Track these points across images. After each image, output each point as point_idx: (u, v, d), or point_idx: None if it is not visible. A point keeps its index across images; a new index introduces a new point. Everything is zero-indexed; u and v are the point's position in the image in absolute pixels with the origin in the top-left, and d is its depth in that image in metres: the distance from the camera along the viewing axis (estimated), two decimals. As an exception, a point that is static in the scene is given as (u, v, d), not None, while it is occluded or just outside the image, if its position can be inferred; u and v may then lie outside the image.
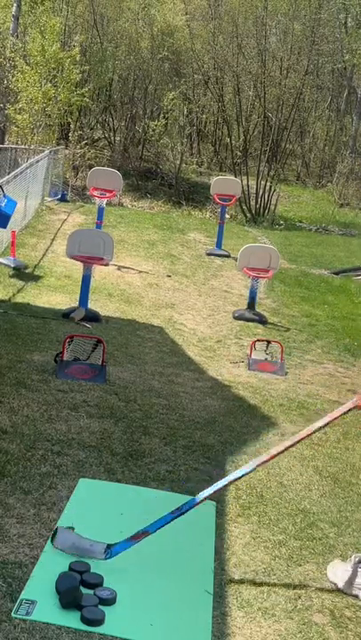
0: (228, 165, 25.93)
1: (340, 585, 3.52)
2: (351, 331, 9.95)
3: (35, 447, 4.62)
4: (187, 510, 3.66)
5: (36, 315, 8.20)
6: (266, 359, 7.81)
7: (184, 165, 25.13)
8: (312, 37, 25.59)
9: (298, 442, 3.71)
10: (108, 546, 3.58)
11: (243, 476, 3.75)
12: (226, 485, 3.78)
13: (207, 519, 4.12)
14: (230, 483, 3.78)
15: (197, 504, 3.68)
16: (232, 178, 19.32)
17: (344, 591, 3.49)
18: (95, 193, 13.19)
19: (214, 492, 3.73)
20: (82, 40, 22.06)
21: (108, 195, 13.26)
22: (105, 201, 13.41)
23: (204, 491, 3.73)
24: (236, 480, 3.79)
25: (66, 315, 8.35)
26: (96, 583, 3.29)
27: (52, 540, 3.58)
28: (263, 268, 9.91)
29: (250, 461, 3.85)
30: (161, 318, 9.21)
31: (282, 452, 3.73)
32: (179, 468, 4.71)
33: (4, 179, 11.38)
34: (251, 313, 9.86)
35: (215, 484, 3.75)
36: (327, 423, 3.69)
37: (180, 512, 3.63)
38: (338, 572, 3.58)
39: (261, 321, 9.74)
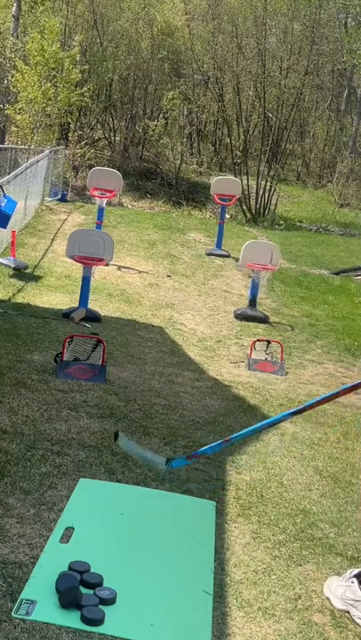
0: (228, 165, 25.93)
1: (333, 600, 3.50)
2: (351, 331, 9.96)
3: (35, 447, 4.62)
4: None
5: (36, 315, 8.20)
6: (266, 359, 7.81)
7: (184, 165, 25.13)
8: (312, 37, 25.61)
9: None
10: (168, 459, 3.95)
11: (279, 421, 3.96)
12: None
13: (207, 519, 4.12)
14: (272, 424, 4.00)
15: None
16: (232, 178, 19.33)
17: (336, 607, 3.47)
18: (95, 193, 13.20)
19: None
20: (82, 40, 22.04)
21: (108, 195, 13.27)
22: (105, 201, 13.42)
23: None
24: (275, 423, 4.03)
25: (66, 315, 8.35)
26: (96, 583, 3.29)
27: (115, 440, 4.00)
28: (264, 265, 9.92)
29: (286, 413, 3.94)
30: (161, 318, 9.22)
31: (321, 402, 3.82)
32: (179, 468, 4.71)
33: (4, 179, 11.39)
34: (253, 310, 9.86)
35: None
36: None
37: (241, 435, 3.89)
38: (332, 587, 3.56)
39: (264, 319, 9.74)
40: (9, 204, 7.98)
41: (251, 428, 3.92)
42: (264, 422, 3.93)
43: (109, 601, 3.21)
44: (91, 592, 3.24)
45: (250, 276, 10.26)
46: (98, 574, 3.35)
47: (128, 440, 4.24)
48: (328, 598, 3.51)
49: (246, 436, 3.96)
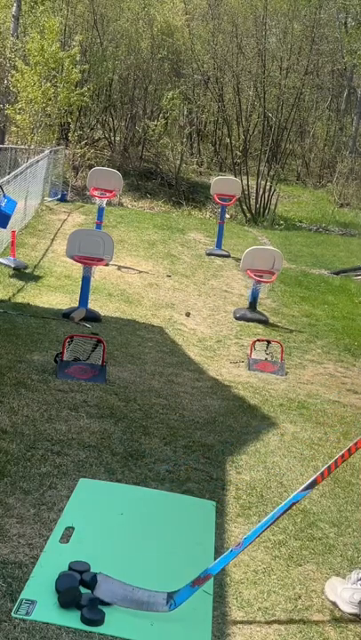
0: (228, 165, 25.93)
1: (341, 604, 3.47)
2: (351, 331, 9.96)
3: (35, 447, 4.63)
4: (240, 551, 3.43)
5: (36, 315, 8.20)
6: (266, 359, 7.81)
7: (184, 165, 25.13)
8: (312, 37, 25.61)
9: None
10: (169, 595, 3.25)
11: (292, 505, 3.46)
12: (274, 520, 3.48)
13: (207, 519, 4.12)
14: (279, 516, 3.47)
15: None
16: (232, 178, 19.31)
17: (344, 610, 3.45)
18: (95, 193, 13.19)
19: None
20: (82, 40, 22.03)
21: (108, 195, 13.26)
22: (105, 201, 13.40)
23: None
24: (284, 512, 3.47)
25: (66, 315, 8.35)
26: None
27: (91, 590, 3.20)
28: (267, 270, 9.89)
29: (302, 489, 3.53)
30: (161, 318, 9.21)
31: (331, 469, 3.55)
32: (179, 468, 4.72)
33: (4, 179, 11.38)
34: (252, 313, 9.86)
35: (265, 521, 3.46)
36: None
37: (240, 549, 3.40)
38: (338, 590, 3.53)
39: (264, 321, 9.73)
40: (9, 204, 7.97)
41: (264, 522, 3.45)
42: (277, 511, 3.43)
43: (109, 601, 3.21)
44: (91, 592, 3.24)
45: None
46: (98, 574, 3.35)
47: (111, 582, 3.26)
48: (335, 602, 3.48)
49: (258, 535, 3.44)
